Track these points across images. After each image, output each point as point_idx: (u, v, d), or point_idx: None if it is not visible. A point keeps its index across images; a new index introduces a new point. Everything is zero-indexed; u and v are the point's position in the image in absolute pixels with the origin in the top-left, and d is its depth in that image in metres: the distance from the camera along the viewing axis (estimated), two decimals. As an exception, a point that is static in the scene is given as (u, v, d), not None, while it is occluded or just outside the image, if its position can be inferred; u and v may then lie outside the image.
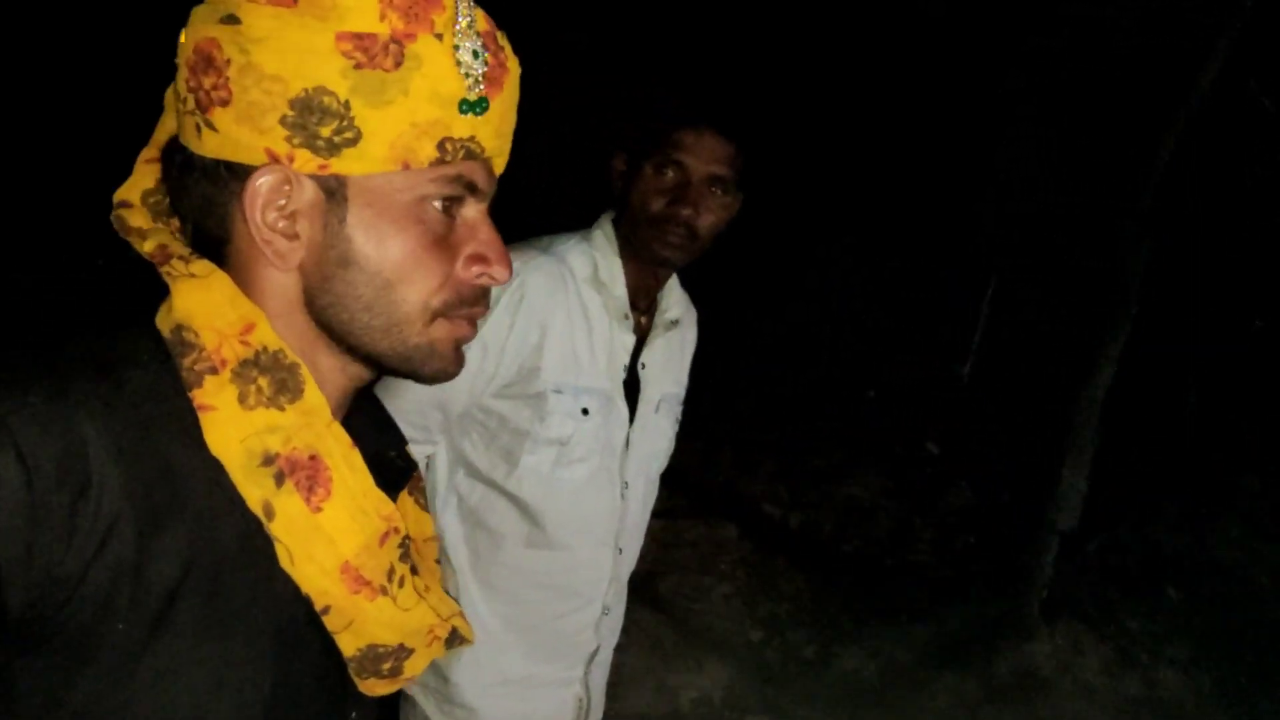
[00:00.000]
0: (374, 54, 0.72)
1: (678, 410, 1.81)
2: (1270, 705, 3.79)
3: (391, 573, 0.82)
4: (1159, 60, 4.09)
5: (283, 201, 0.76)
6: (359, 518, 0.79)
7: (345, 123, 0.73)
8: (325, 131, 0.73)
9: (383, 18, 0.73)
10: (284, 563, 0.77)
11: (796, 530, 5.03)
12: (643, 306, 1.69)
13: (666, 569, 4.38)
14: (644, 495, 1.76)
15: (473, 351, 1.50)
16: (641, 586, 3.82)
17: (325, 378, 0.82)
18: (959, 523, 5.06)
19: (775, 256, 6.25)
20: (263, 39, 0.72)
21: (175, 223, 0.83)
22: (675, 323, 1.74)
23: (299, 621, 0.80)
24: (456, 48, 0.75)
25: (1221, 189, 4.27)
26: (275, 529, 0.75)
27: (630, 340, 1.65)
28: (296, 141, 0.74)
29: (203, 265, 0.78)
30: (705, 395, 2.19)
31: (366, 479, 0.80)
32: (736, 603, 4.29)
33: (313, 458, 0.77)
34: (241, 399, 0.74)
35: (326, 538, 0.77)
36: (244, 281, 0.79)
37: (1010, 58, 4.95)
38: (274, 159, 0.74)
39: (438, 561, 1.00)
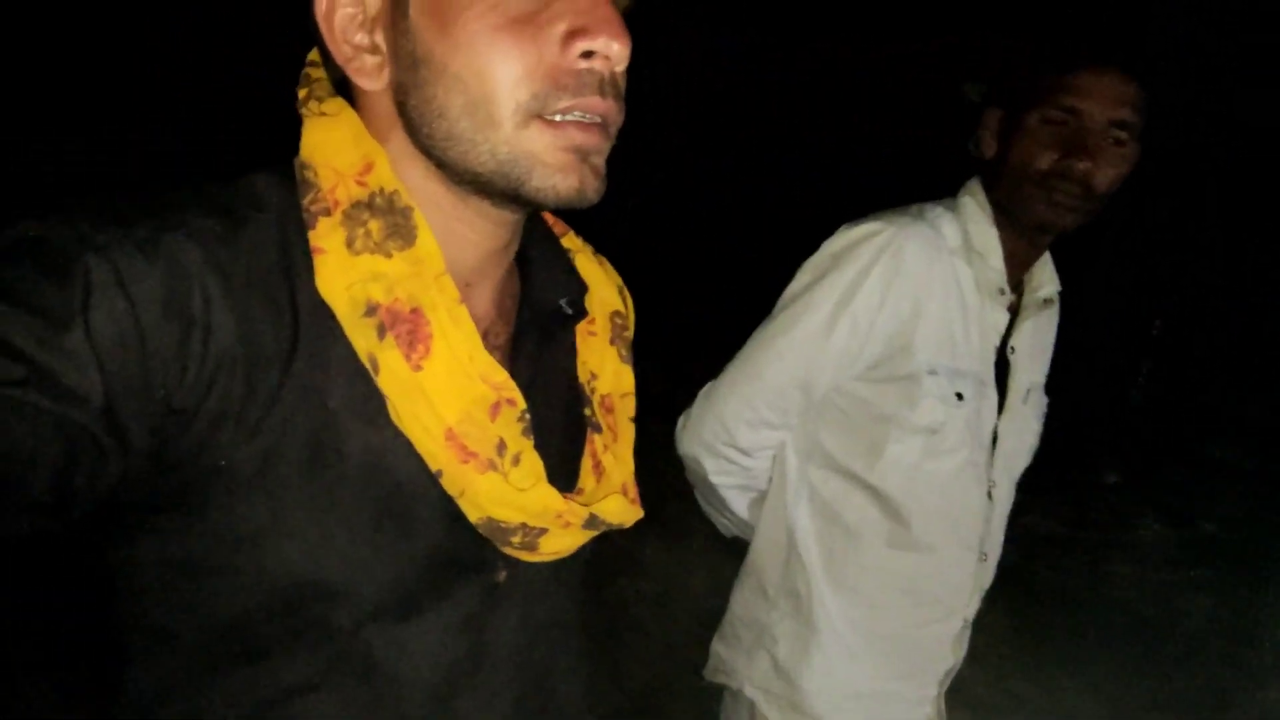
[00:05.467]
0: None
1: (1044, 402, 1.59)
2: None
3: (503, 447, 0.74)
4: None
5: (354, 11, 0.71)
6: (460, 382, 0.72)
7: None
8: None
9: None
10: (394, 419, 0.71)
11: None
12: (1012, 283, 1.49)
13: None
14: (1008, 498, 1.55)
15: (842, 326, 1.35)
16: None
17: (451, 222, 0.75)
18: (1161, 558, 4.66)
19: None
20: None
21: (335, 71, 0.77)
22: (1049, 301, 1.54)
23: (418, 480, 0.74)
24: None
25: None
26: (382, 383, 0.70)
27: (1003, 319, 1.47)
28: None
29: (335, 104, 0.74)
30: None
31: (472, 340, 0.73)
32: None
33: (414, 311, 0.70)
34: (349, 243, 0.70)
35: (428, 399, 0.70)
36: (368, 119, 0.74)
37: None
38: None
39: (632, 420, 0.92)
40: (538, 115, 0.68)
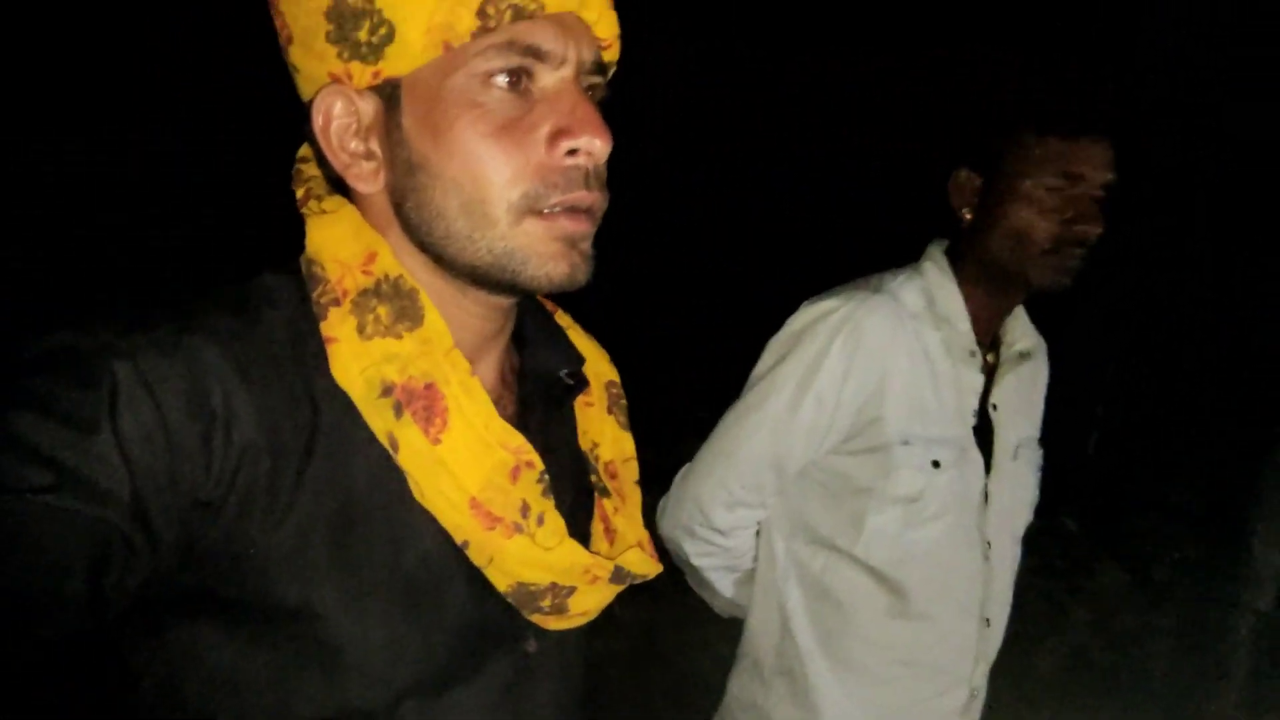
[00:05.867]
0: None
1: (1038, 456, 1.59)
2: None
3: (526, 510, 0.76)
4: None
5: (349, 121, 0.75)
6: (480, 450, 0.75)
7: (376, 19, 0.70)
8: (363, 35, 0.70)
9: None
10: (417, 495, 0.74)
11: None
12: (986, 341, 1.52)
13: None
14: (1010, 557, 1.54)
15: (807, 404, 1.37)
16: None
17: (450, 308, 0.78)
18: (1117, 604, 4.70)
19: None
20: None
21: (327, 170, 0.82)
22: (1026, 355, 1.56)
23: (445, 553, 0.76)
24: None
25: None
26: (402, 461, 0.73)
27: (978, 380, 1.49)
28: (346, 55, 0.72)
29: (334, 201, 0.79)
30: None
31: (487, 409, 0.76)
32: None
33: (429, 386, 0.74)
34: (360, 329, 0.73)
35: (449, 471, 0.73)
36: (366, 214, 0.78)
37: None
38: (335, 79, 0.74)
39: (636, 484, 0.96)
40: (530, 211, 0.73)
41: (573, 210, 0.74)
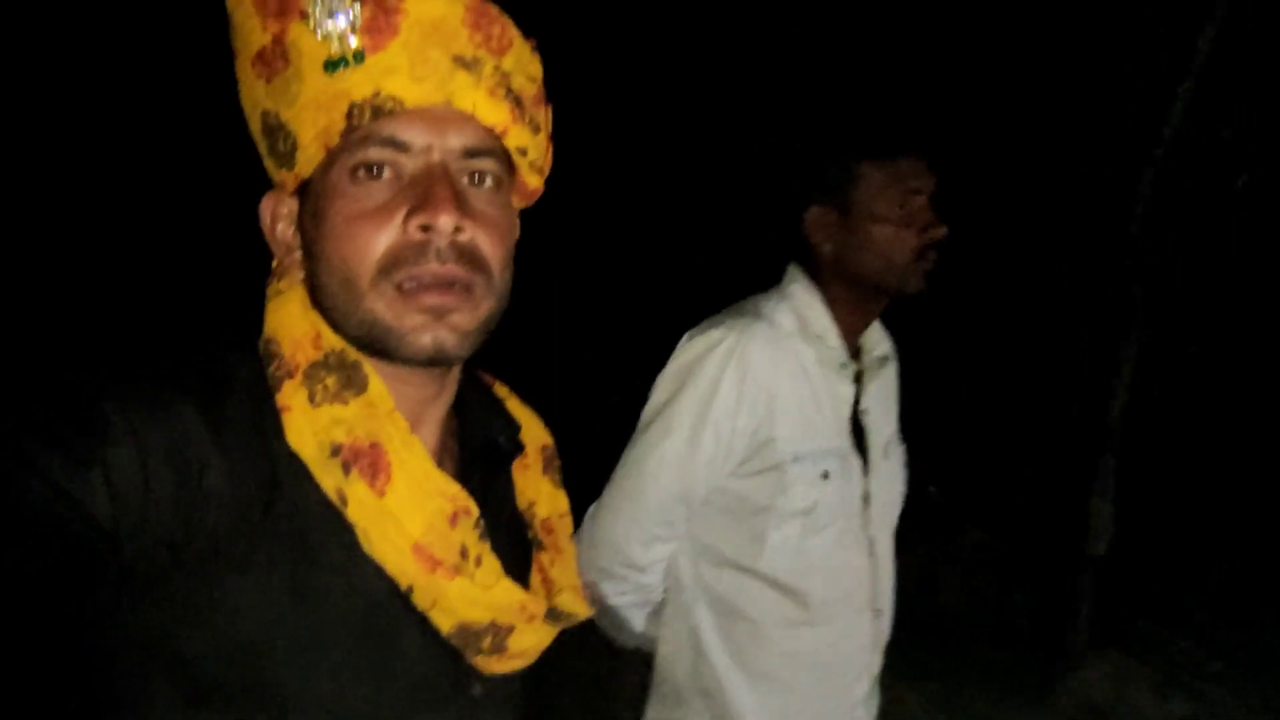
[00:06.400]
0: (270, 62, 0.81)
1: (902, 450, 1.72)
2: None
3: (465, 552, 0.84)
4: (1133, 98, 4.31)
5: (282, 221, 0.88)
6: (421, 499, 0.82)
7: (284, 131, 0.82)
8: (281, 146, 0.83)
9: (265, 28, 0.80)
10: (364, 545, 0.81)
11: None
12: (851, 352, 1.62)
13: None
14: (889, 547, 1.66)
15: (706, 437, 1.46)
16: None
17: (388, 378, 0.85)
18: (980, 563, 5.08)
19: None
20: (242, 93, 0.85)
21: None
22: (885, 358, 1.68)
23: (392, 601, 0.82)
24: (312, 16, 0.78)
25: (1203, 215, 4.48)
26: (350, 514, 0.80)
27: (850, 390, 1.58)
28: (275, 164, 0.85)
29: (288, 282, 0.88)
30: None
31: (426, 463, 0.84)
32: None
33: (373, 445, 0.81)
34: (311, 398, 0.82)
35: (394, 520, 0.80)
36: (309, 294, 0.87)
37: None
38: (278, 184, 0.87)
39: (571, 538, 1.03)
40: (390, 284, 0.80)
41: (433, 285, 0.80)
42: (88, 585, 0.69)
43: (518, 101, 0.85)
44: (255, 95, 0.83)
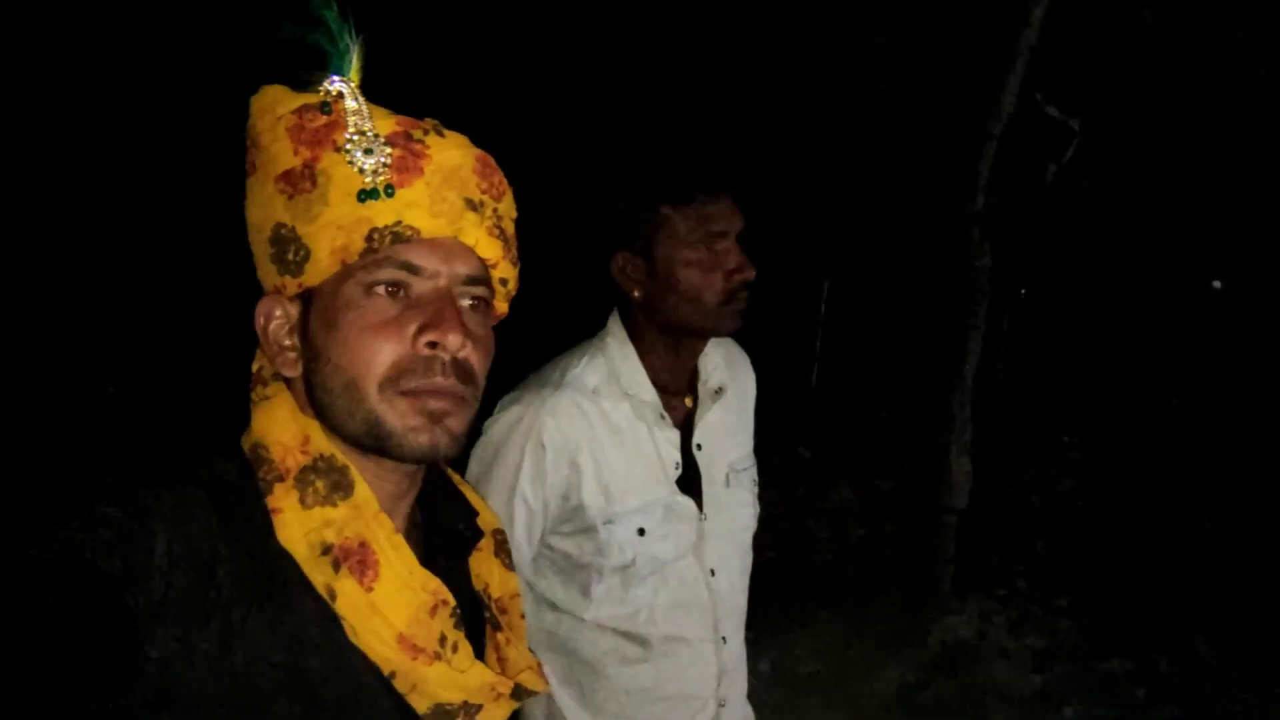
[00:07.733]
0: (296, 182, 0.89)
1: (753, 471, 1.75)
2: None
3: (444, 640, 0.92)
4: (972, 78, 4.59)
5: (281, 321, 0.94)
6: (406, 594, 0.89)
7: (298, 244, 0.90)
8: (290, 256, 0.90)
9: (296, 153, 0.89)
10: (351, 636, 0.88)
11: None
12: (683, 387, 1.63)
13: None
14: (738, 570, 1.68)
15: (518, 508, 1.50)
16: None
17: (369, 475, 0.92)
18: (851, 518, 5.40)
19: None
20: (248, 202, 0.93)
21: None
22: (720, 390, 1.66)
23: (374, 686, 0.90)
24: (349, 152, 0.88)
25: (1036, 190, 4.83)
26: (339, 608, 0.88)
27: (674, 435, 1.59)
28: (280, 271, 0.91)
29: (275, 388, 0.95)
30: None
31: (410, 559, 0.91)
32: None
33: (362, 544, 0.88)
34: (302, 500, 0.88)
35: (380, 613, 0.88)
36: (296, 398, 0.94)
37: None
38: (275, 289, 0.93)
39: (522, 617, 1.12)
40: (395, 389, 0.88)
41: (433, 392, 0.89)
42: (122, 681, 0.73)
43: (507, 240, 0.98)
44: (271, 208, 0.90)
